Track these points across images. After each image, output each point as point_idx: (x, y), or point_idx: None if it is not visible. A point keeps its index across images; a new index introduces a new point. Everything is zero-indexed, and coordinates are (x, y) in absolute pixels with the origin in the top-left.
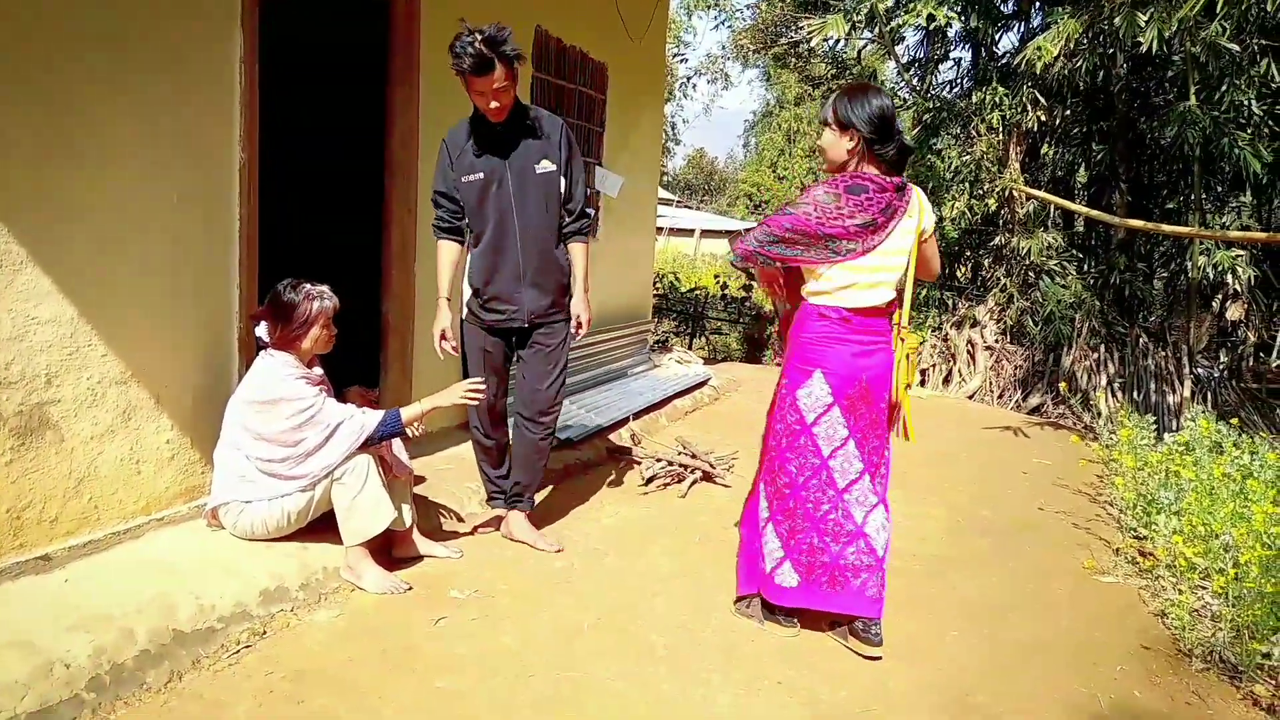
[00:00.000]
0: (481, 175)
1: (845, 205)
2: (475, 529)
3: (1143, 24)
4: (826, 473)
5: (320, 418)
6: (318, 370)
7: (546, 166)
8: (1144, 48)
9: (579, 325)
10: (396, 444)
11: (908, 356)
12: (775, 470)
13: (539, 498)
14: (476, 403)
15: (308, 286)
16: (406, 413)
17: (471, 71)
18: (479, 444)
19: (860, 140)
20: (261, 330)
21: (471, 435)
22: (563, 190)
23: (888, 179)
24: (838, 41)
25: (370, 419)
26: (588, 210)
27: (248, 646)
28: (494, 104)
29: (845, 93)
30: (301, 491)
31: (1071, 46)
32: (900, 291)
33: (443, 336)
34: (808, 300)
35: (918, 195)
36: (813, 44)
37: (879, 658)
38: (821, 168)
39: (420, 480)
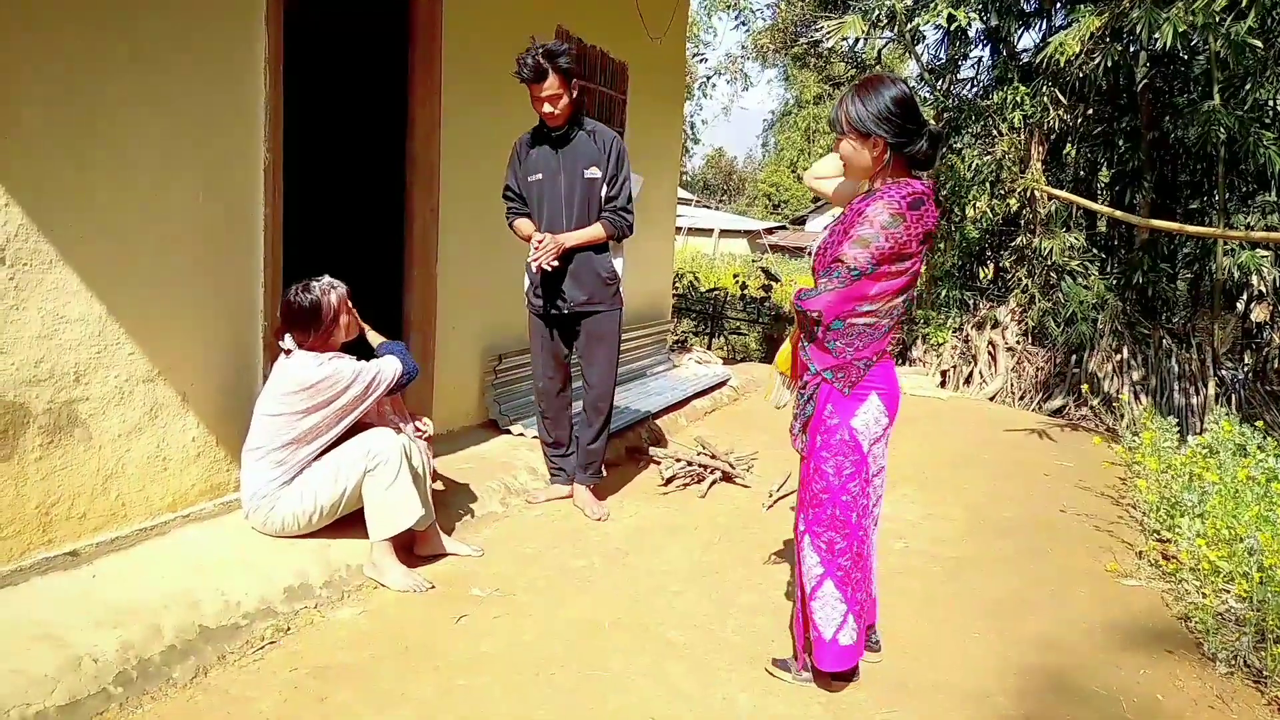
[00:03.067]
0: (541, 175)
1: (912, 224)
2: (543, 500)
3: (1161, 21)
4: (867, 505)
5: (365, 373)
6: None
7: (594, 173)
8: (1161, 44)
9: (541, 241)
10: (420, 442)
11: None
12: (830, 516)
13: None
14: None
15: (316, 284)
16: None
17: (529, 79)
18: (539, 423)
19: (885, 146)
20: (289, 342)
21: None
22: (603, 196)
23: (927, 184)
24: (857, 41)
25: (393, 359)
26: (628, 211)
27: (272, 643)
28: (548, 108)
29: (855, 93)
30: (336, 482)
31: (1092, 44)
32: None
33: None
34: (851, 321)
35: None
36: (830, 44)
37: (879, 661)
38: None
39: (441, 479)
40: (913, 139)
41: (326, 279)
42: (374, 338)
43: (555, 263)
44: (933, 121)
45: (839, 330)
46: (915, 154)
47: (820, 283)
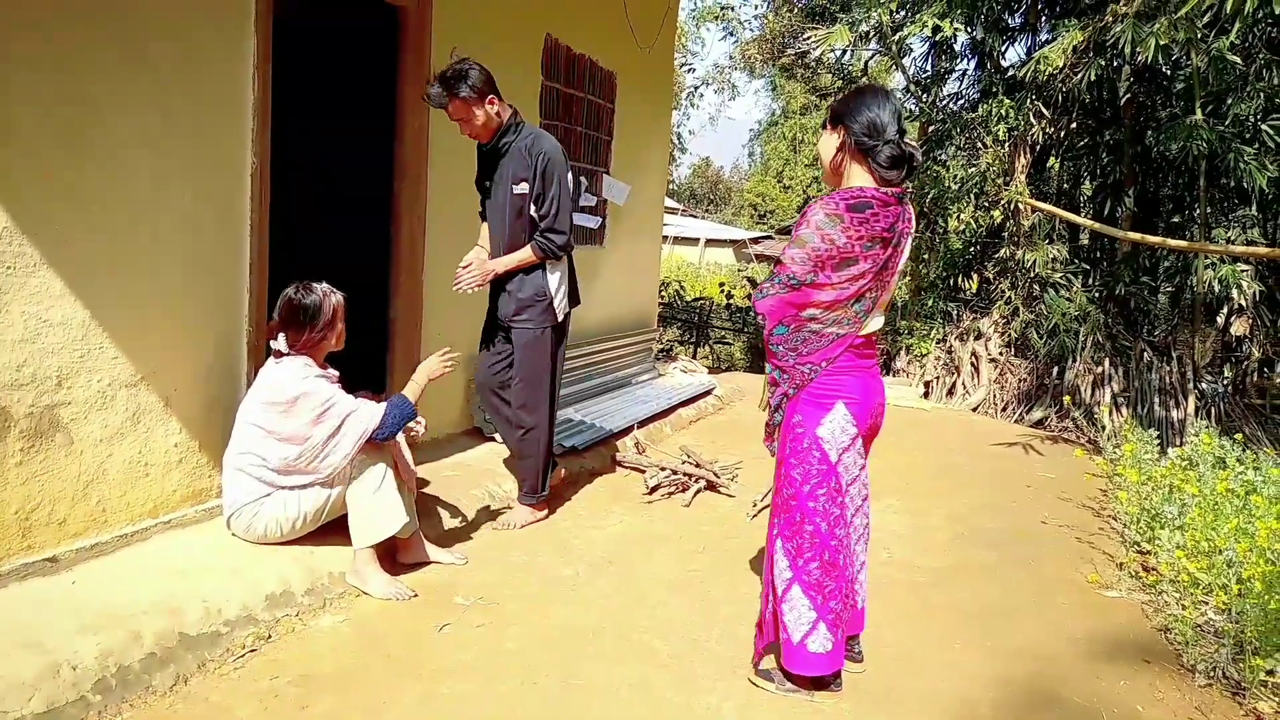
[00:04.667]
0: (489, 183)
1: (850, 226)
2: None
3: (1144, 35)
4: (842, 515)
5: (336, 409)
6: (333, 372)
7: (522, 188)
8: (1143, 59)
9: (469, 265)
10: (404, 448)
11: None
12: (798, 522)
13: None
14: (452, 366)
15: (316, 286)
16: (410, 393)
17: (434, 106)
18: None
19: (848, 136)
20: (280, 343)
21: None
22: (533, 214)
23: (888, 192)
24: (844, 53)
25: (376, 413)
26: (556, 233)
27: (253, 650)
28: (464, 131)
29: (848, 93)
30: (321, 488)
31: (1076, 57)
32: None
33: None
34: (799, 324)
35: (912, 209)
36: (818, 55)
37: (863, 671)
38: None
39: (424, 484)
40: (875, 140)
41: (326, 285)
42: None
43: (477, 288)
44: (912, 144)
45: (783, 335)
46: (876, 155)
47: (764, 286)
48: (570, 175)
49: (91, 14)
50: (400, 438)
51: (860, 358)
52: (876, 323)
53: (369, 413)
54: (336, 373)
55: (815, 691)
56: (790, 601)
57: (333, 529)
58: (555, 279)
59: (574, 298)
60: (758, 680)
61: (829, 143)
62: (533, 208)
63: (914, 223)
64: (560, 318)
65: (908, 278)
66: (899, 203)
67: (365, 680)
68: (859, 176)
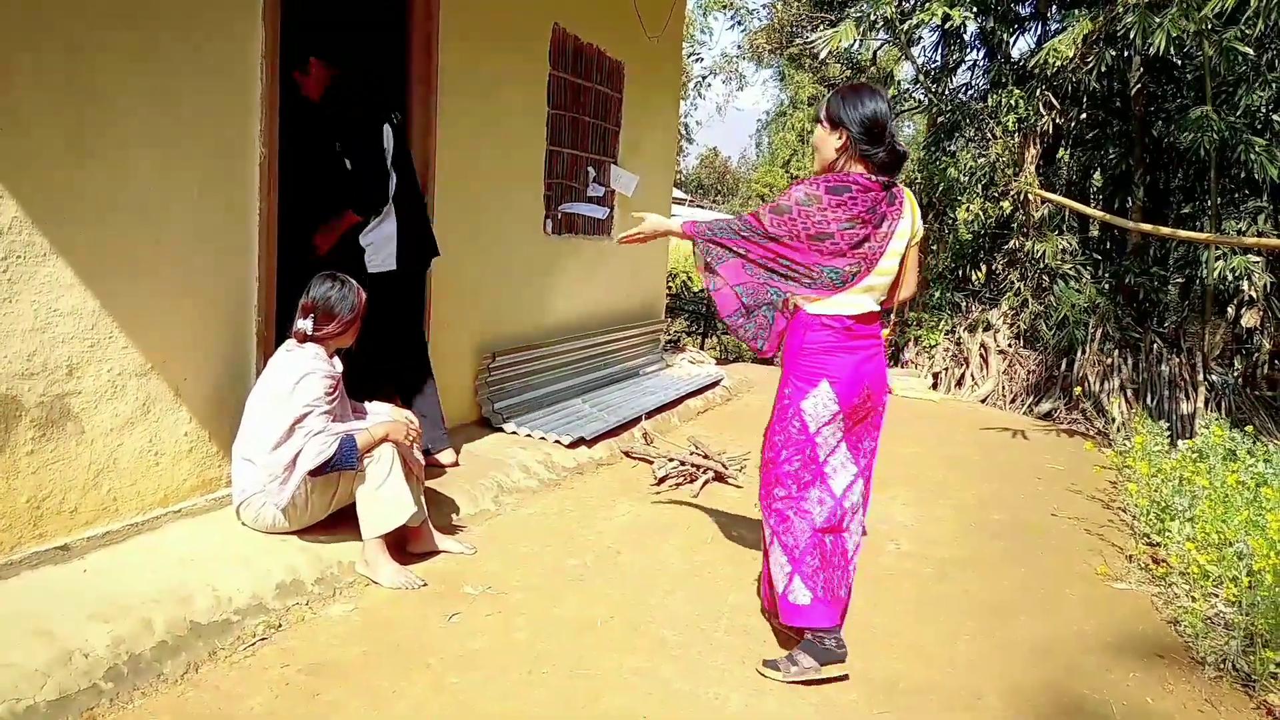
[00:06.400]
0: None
1: (828, 205)
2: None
3: (1155, 26)
4: (823, 480)
5: (307, 422)
6: (339, 364)
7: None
8: (1153, 49)
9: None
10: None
11: None
12: (772, 484)
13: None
14: (410, 441)
15: (348, 279)
16: (360, 440)
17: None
18: None
19: (849, 139)
20: (307, 324)
21: None
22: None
23: (874, 179)
24: (853, 44)
25: (330, 447)
26: None
27: (263, 639)
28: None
29: (842, 91)
30: (328, 479)
31: (1085, 48)
32: (892, 292)
33: None
34: (806, 309)
35: (909, 198)
36: (826, 53)
37: (846, 677)
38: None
39: (457, 465)
40: (874, 145)
41: (355, 282)
42: (376, 406)
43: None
44: (922, 137)
45: (799, 321)
46: (873, 156)
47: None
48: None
49: (99, 5)
50: (403, 436)
51: (851, 339)
52: (862, 303)
53: (319, 446)
54: (341, 367)
55: (822, 668)
56: (774, 557)
57: (342, 518)
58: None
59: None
60: (764, 670)
61: (829, 143)
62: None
63: (906, 208)
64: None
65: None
66: (883, 189)
67: (375, 669)
68: (853, 168)
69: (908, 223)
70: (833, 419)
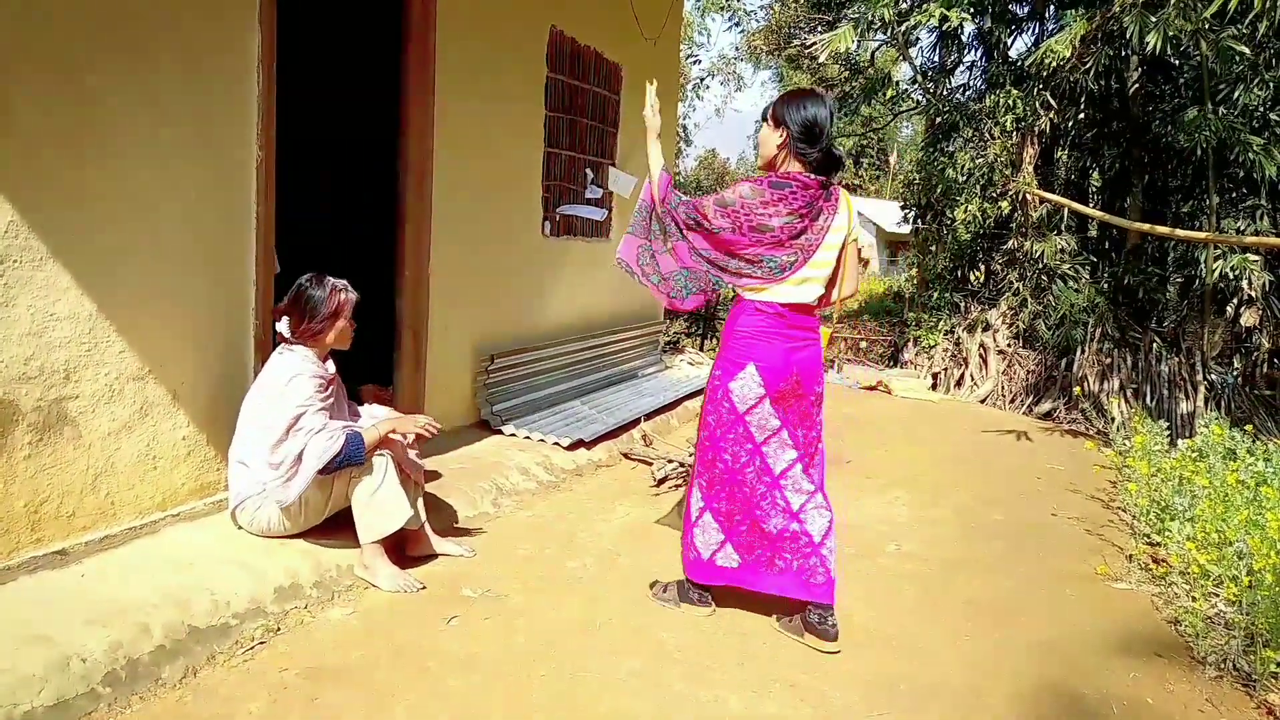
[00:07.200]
0: None
1: (769, 200)
2: None
3: (1151, 25)
4: (760, 459)
5: (303, 421)
6: (331, 366)
7: None
8: (1149, 49)
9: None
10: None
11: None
12: (710, 459)
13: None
14: (430, 436)
15: (331, 280)
16: (368, 436)
17: None
18: None
19: (788, 138)
20: (283, 326)
21: None
22: None
23: (811, 177)
24: (851, 45)
25: (335, 443)
26: None
27: (262, 643)
28: None
29: (787, 94)
30: (322, 484)
31: (1082, 48)
32: (830, 288)
33: None
34: (743, 295)
35: (845, 196)
36: (824, 57)
37: (838, 652)
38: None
39: (434, 477)
40: (810, 145)
41: (343, 282)
42: (375, 409)
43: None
44: (919, 138)
45: (736, 306)
46: (809, 157)
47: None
48: None
49: (95, 9)
50: (398, 438)
51: (783, 325)
52: (799, 294)
53: (326, 442)
54: (334, 368)
55: (680, 605)
56: (702, 525)
57: (340, 522)
58: None
59: None
60: (653, 593)
61: (772, 140)
62: None
63: (842, 206)
64: None
65: (914, 270)
66: (820, 187)
67: (374, 672)
68: (793, 168)
69: (843, 218)
70: (759, 401)
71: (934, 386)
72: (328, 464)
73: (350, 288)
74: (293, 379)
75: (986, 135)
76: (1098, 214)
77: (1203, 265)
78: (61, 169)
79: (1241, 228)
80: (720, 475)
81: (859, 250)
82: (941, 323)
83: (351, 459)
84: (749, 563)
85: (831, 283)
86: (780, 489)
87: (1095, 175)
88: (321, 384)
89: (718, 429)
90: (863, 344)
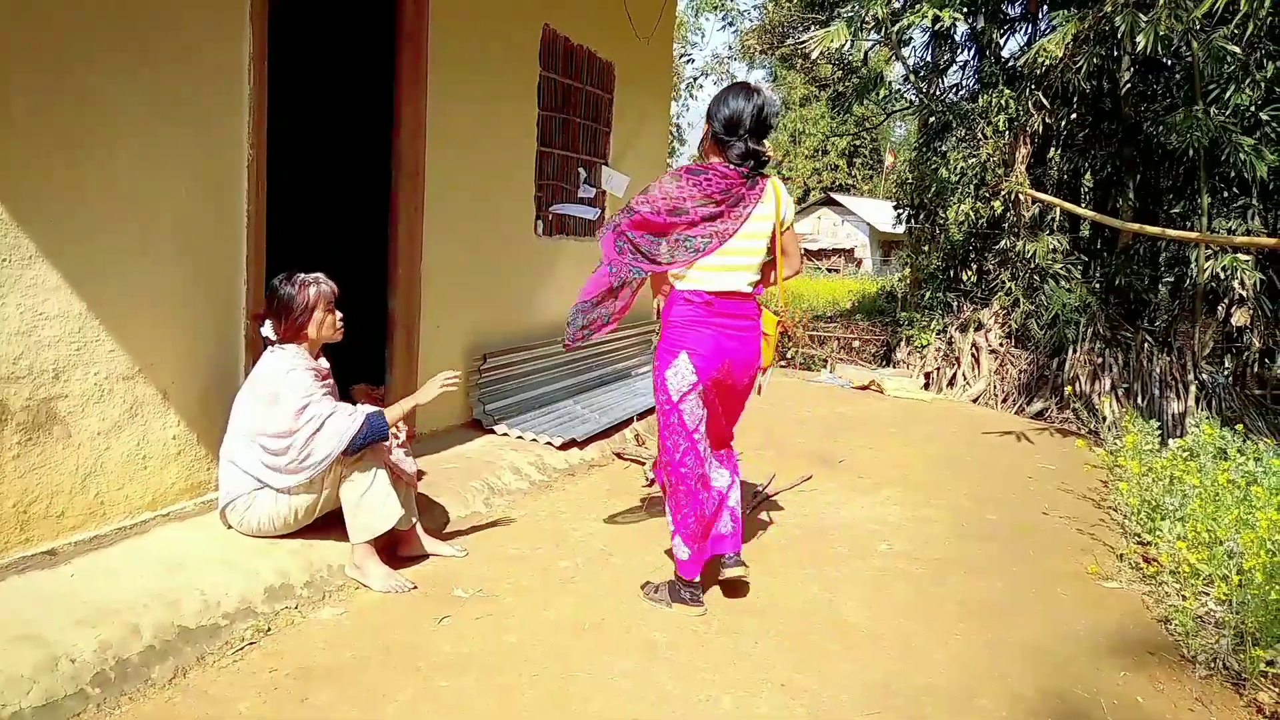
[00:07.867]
0: None
1: (685, 185)
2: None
3: (1143, 24)
4: (693, 447)
5: (311, 410)
6: (324, 362)
7: None
8: (1140, 49)
9: None
10: (394, 449)
11: (765, 336)
12: (661, 449)
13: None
14: (455, 387)
15: (302, 275)
16: (390, 413)
17: None
18: None
19: (709, 131)
20: (267, 329)
21: None
22: None
23: (733, 168)
24: (844, 44)
25: (355, 420)
26: None
27: (252, 643)
28: None
29: (723, 89)
30: (307, 489)
31: (1074, 48)
32: (765, 276)
33: None
34: (675, 285)
35: (774, 186)
36: (815, 55)
37: (746, 566)
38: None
39: (424, 476)
40: (730, 137)
41: (317, 275)
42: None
43: None
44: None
45: (669, 297)
46: (729, 149)
47: (609, 222)
48: None
49: (89, 7)
50: (389, 441)
51: (712, 314)
52: (724, 281)
53: (345, 421)
54: (326, 364)
55: (673, 605)
56: (668, 514)
57: (331, 522)
58: None
59: None
60: (643, 596)
61: (703, 131)
62: None
63: (769, 196)
64: None
65: (907, 269)
66: (743, 177)
67: (365, 673)
68: (714, 159)
69: (770, 208)
70: (692, 389)
71: (926, 386)
72: (351, 442)
73: (325, 279)
74: (290, 372)
75: (979, 135)
76: (1090, 214)
77: (1194, 265)
78: (51, 166)
79: (1233, 228)
80: (667, 465)
81: (796, 238)
82: (934, 322)
83: (375, 434)
84: (695, 554)
85: (770, 268)
86: (709, 474)
87: (1087, 175)
88: (316, 374)
89: (660, 418)
90: (855, 343)
